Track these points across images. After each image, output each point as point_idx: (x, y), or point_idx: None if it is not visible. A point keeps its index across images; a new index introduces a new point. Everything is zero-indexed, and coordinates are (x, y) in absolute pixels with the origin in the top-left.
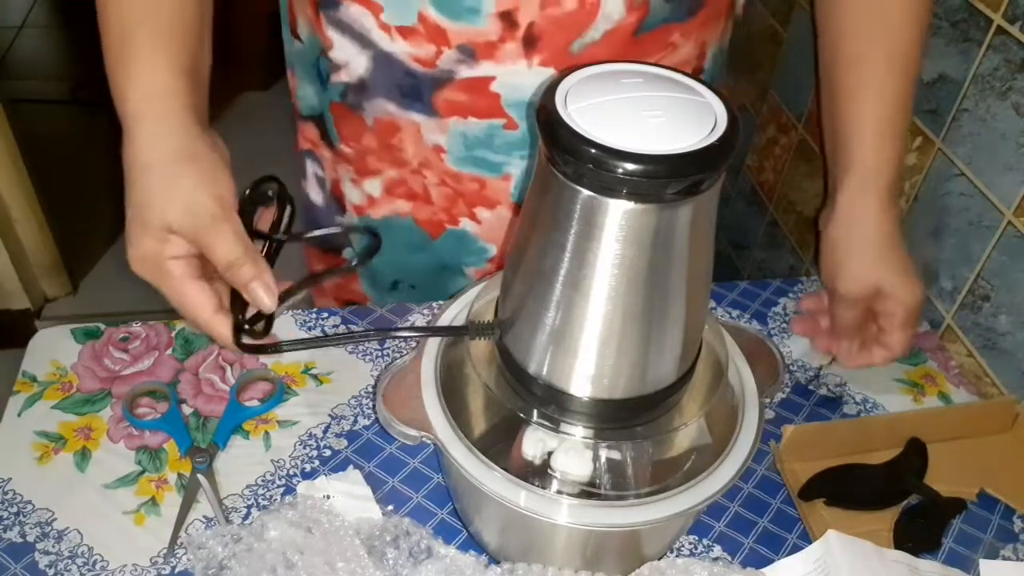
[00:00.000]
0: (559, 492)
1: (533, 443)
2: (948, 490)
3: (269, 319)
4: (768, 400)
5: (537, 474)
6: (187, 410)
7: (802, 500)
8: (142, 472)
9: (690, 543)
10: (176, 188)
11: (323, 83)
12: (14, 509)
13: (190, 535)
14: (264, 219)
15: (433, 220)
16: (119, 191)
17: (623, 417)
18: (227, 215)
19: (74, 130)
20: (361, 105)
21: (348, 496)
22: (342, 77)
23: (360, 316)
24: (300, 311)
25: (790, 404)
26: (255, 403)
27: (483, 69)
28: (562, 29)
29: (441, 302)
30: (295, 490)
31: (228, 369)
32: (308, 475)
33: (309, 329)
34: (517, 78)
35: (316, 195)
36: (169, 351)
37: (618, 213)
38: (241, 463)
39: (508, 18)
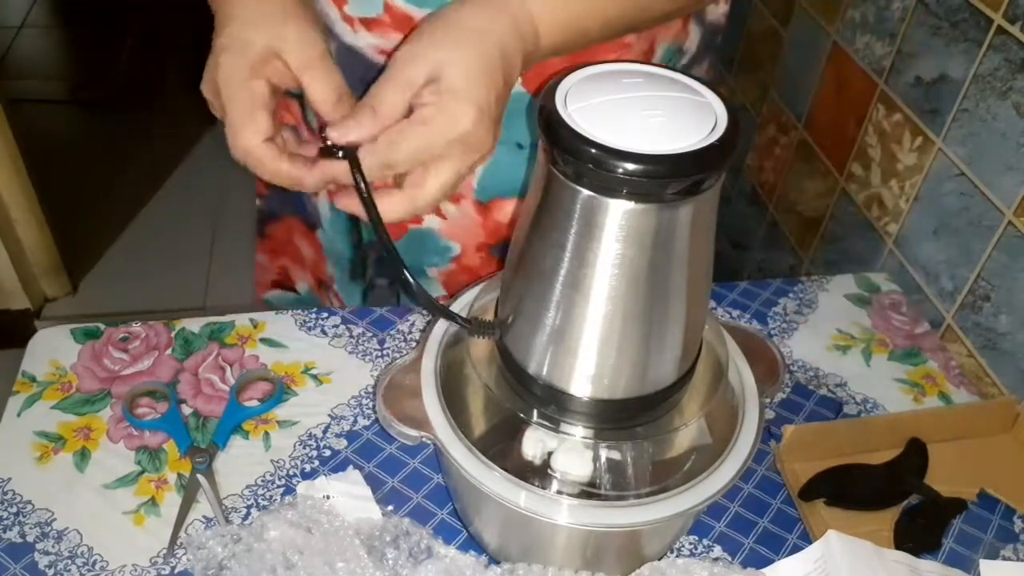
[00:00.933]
0: (559, 492)
1: (533, 443)
2: (948, 490)
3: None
4: (768, 400)
5: (537, 474)
6: (187, 410)
7: (802, 500)
8: (142, 472)
9: (690, 543)
10: (293, 19)
11: None
12: (14, 509)
13: (190, 535)
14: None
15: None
16: (119, 191)
17: (623, 417)
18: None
19: (74, 130)
20: None
21: (348, 496)
22: None
23: (360, 316)
24: (300, 311)
25: (790, 404)
26: (255, 403)
27: None
28: None
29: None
30: (295, 490)
31: (228, 369)
32: (308, 475)
33: (309, 329)
34: None
35: None
36: (169, 351)
37: (618, 213)
38: (241, 463)
39: None
